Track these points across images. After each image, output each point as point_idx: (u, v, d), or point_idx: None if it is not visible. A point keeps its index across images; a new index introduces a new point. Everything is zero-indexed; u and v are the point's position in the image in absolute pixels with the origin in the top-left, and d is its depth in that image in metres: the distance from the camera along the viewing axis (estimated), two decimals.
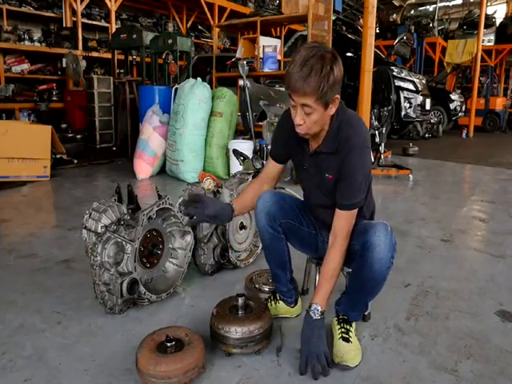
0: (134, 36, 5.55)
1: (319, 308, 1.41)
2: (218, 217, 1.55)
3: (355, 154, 1.39)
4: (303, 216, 1.68)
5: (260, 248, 2.32)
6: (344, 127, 1.41)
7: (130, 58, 6.49)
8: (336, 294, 1.65)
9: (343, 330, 1.51)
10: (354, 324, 1.56)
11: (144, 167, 4.42)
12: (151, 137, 4.48)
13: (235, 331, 1.45)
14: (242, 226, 2.25)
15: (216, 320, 1.50)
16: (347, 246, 1.46)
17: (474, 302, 1.93)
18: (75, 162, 5.11)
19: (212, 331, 1.51)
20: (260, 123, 4.87)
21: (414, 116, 6.89)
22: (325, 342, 1.41)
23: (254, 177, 2.35)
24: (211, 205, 1.53)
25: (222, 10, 8.79)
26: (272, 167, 1.68)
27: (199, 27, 10.22)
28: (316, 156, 1.49)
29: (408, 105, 6.66)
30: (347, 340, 1.48)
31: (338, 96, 1.36)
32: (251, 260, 2.30)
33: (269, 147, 3.61)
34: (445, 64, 11.71)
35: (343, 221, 1.44)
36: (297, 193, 2.42)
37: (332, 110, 1.37)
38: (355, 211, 1.45)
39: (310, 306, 1.43)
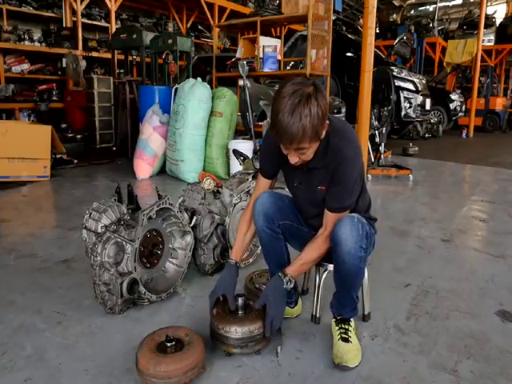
0: (134, 36, 5.55)
1: (292, 280, 1.47)
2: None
3: (347, 165, 1.40)
4: (295, 214, 1.68)
5: (260, 248, 2.32)
6: (334, 139, 1.40)
7: (129, 58, 6.48)
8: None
9: (342, 330, 1.52)
10: (352, 323, 1.57)
11: (144, 167, 4.42)
12: (151, 137, 4.48)
13: (235, 331, 1.45)
14: None
15: (216, 320, 1.50)
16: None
17: (474, 302, 1.93)
18: (75, 161, 5.11)
19: (212, 331, 1.51)
20: (260, 123, 4.87)
21: (414, 116, 6.89)
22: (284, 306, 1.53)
23: (253, 177, 2.35)
24: (231, 291, 1.56)
25: (222, 9, 8.78)
26: (264, 184, 1.66)
27: (199, 27, 10.21)
28: (307, 172, 1.49)
29: (408, 105, 6.66)
30: (346, 340, 1.48)
31: (328, 121, 1.35)
32: (251, 260, 2.30)
33: None
34: (445, 64, 11.70)
35: (334, 219, 1.45)
36: None
37: (323, 134, 1.35)
38: (344, 213, 1.46)
39: (283, 273, 1.47)
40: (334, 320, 1.58)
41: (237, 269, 1.61)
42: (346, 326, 1.53)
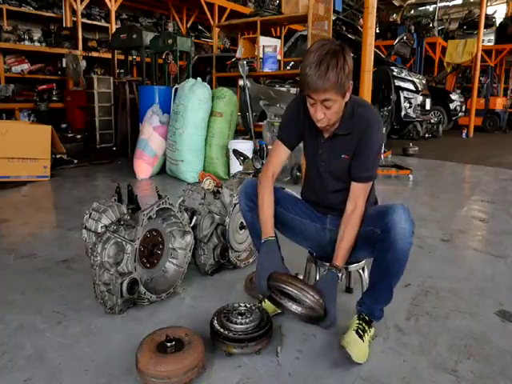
0: (134, 36, 5.55)
1: (343, 270, 1.50)
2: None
3: (373, 130, 1.47)
4: (291, 204, 1.69)
5: None
6: (358, 108, 1.48)
7: (129, 58, 6.48)
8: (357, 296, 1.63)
9: (360, 326, 1.49)
10: (372, 330, 1.53)
11: (144, 167, 4.43)
12: (151, 137, 4.48)
13: (301, 288, 1.37)
14: (242, 226, 2.25)
15: (283, 275, 1.44)
16: (367, 234, 1.48)
17: (473, 302, 1.93)
18: (75, 161, 5.12)
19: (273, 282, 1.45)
20: (260, 123, 4.87)
21: (414, 116, 6.89)
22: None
23: (254, 177, 2.35)
24: (282, 266, 1.52)
25: (222, 9, 8.78)
26: (282, 153, 1.64)
27: (199, 27, 10.21)
28: (332, 139, 1.53)
29: (408, 105, 6.66)
30: (360, 335, 1.46)
31: (352, 82, 1.42)
32: (251, 260, 2.30)
33: (269, 147, 3.61)
34: (445, 64, 11.71)
35: (361, 191, 1.50)
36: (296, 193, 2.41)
37: (347, 96, 1.43)
38: (370, 184, 1.52)
39: (334, 267, 1.46)
40: (356, 316, 1.55)
41: (279, 245, 1.57)
42: (366, 327, 1.50)
